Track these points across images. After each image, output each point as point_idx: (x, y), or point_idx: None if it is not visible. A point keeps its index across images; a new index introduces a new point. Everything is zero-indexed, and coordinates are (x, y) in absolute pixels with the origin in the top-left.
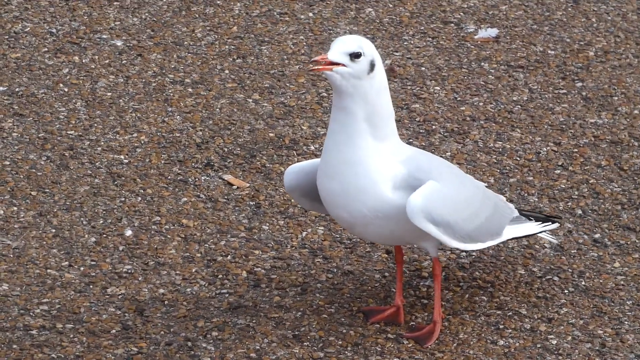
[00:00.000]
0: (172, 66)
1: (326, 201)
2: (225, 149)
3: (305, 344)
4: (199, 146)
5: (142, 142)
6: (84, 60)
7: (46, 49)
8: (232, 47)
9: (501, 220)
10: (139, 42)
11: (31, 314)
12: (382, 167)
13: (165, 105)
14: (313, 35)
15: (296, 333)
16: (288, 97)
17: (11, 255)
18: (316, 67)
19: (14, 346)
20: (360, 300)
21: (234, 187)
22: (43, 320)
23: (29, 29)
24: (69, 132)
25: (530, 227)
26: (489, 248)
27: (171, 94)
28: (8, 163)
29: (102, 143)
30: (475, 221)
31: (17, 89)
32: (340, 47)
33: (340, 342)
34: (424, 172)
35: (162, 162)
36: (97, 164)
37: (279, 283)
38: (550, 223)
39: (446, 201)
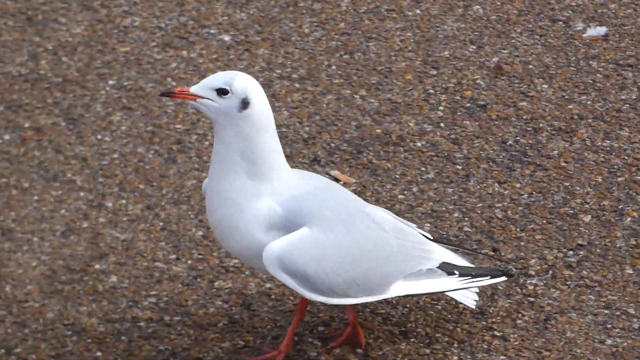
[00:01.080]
0: (279, 61)
1: (212, 230)
2: (332, 145)
3: (411, 340)
4: (306, 141)
5: None
6: (192, 55)
7: (155, 43)
8: (339, 43)
9: (390, 274)
10: (247, 37)
11: (139, 306)
12: (256, 208)
13: (272, 100)
14: (420, 32)
15: (402, 329)
16: (395, 93)
17: (120, 248)
18: (169, 94)
19: (122, 337)
20: None
21: (341, 182)
22: (151, 312)
23: (137, 23)
24: (176, 126)
25: (442, 283)
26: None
27: (278, 89)
28: (117, 156)
29: (210, 137)
30: (344, 275)
31: (125, 83)
32: (207, 82)
33: (446, 339)
34: (302, 216)
35: None
36: (204, 158)
37: None
38: (489, 277)
39: (311, 252)
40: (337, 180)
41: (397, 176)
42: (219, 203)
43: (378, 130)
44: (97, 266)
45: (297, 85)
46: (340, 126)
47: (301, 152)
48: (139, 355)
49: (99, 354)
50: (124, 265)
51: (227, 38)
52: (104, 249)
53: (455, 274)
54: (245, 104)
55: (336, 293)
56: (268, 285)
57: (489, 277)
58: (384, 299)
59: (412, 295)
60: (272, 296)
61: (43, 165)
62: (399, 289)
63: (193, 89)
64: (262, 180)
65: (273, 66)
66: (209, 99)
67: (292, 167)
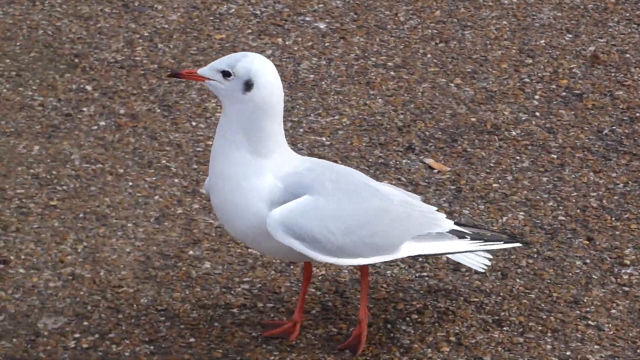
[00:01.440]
0: (375, 49)
1: (216, 215)
2: (427, 133)
3: (504, 328)
4: (401, 130)
5: (344, 124)
6: (287, 42)
7: (250, 31)
8: (435, 31)
9: (398, 235)
10: (342, 25)
11: (232, 292)
12: (258, 184)
13: (367, 88)
14: (516, 20)
15: (496, 318)
16: (490, 82)
17: (213, 234)
18: (176, 75)
19: (215, 324)
20: (560, 286)
21: (435, 170)
22: (244, 299)
23: (233, 10)
24: None
25: (450, 245)
26: (387, 263)
27: (373, 77)
28: (211, 143)
29: (304, 125)
30: (352, 237)
31: None
32: (214, 64)
33: (540, 328)
34: (302, 187)
35: (364, 144)
36: (298, 145)
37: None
38: (501, 242)
39: (312, 213)
40: (431, 168)
41: (492, 165)
42: (222, 182)
43: (473, 119)
44: (190, 252)
45: (392, 73)
46: (435, 114)
47: (395, 140)
48: (231, 341)
49: (192, 339)
50: (217, 252)
51: (322, 25)
52: (197, 235)
53: (467, 238)
54: (248, 85)
55: (346, 253)
56: (359, 272)
57: (502, 242)
58: (395, 259)
59: (423, 256)
60: None
61: (138, 151)
62: (410, 249)
63: (200, 71)
64: (263, 156)
65: (368, 54)
66: (215, 80)
67: (386, 155)
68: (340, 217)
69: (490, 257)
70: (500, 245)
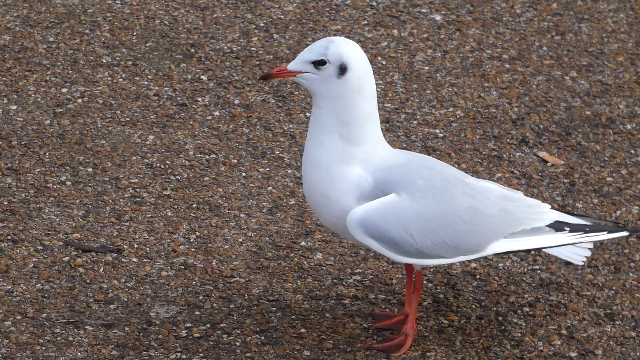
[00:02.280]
0: (490, 42)
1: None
2: (541, 126)
3: (617, 322)
4: (515, 122)
5: (458, 116)
6: (402, 34)
7: (366, 22)
8: (551, 24)
9: (486, 235)
10: (458, 17)
11: (344, 283)
12: (347, 174)
13: (481, 81)
14: (634, 13)
15: (608, 312)
16: (606, 75)
17: None
18: (268, 77)
19: (327, 315)
20: None
21: (549, 164)
22: (355, 290)
23: (349, 1)
24: (385, 105)
25: (548, 239)
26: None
27: (488, 70)
28: None
29: (418, 117)
30: (434, 238)
31: None
32: (303, 56)
33: None
34: (391, 184)
35: (477, 137)
36: (412, 137)
37: (592, 261)
38: (605, 232)
39: (395, 216)
40: (544, 161)
41: (606, 158)
42: (310, 167)
43: (587, 112)
44: (302, 243)
45: (507, 65)
46: (550, 107)
47: (509, 132)
48: (342, 332)
49: (302, 330)
50: (329, 243)
51: (438, 17)
52: (309, 226)
53: (565, 230)
54: (343, 69)
55: (426, 254)
56: (473, 265)
57: (606, 232)
58: (479, 258)
59: (512, 252)
60: (477, 276)
61: (252, 142)
62: (498, 247)
63: (291, 66)
64: (355, 144)
65: (484, 46)
66: (307, 72)
67: (499, 147)
68: (422, 218)
69: (592, 248)
70: (604, 236)
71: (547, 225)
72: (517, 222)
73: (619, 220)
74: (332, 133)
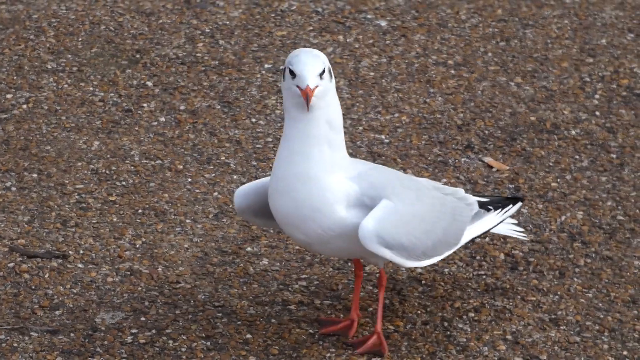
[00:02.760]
0: (436, 47)
1: (279, 220)
2: (486, 132)
3: (561, 327)
4: (460, 128)
5: (404, 122)
6: (348, 40)
7: (311, 28)
8: (496, 30)
9: (459, 227)
10: (403, 23)
11: (290, 289)
12: (335, 185)
13: (427, 87)
14: (578, 19)
15: (553, 317)
16: (550, 81)
17: (271, 231)
18: (308, 102)
19: (272, 320)
20: (618, 286)
21: (494, 169)
22: (301, 295)
23: (295, 7)
24: None
25: (491, 220)
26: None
27: (434, 75)
28: (270, 140)
29: (364, 122)
30: (432, 237)
31: (281, 67)
32: (312, 71)
33: (597, 327)
34: (376, 189)
35: (423, 142)
36: (357, 142)
37: (537, 266)
38: (511, 205)
39: (400, 222)
40: (490, 167)
41: (551, 164)
42: (297, 182)
43: (532, 118)
44: (248, 249)
45: (452, 71)
46: (495, 113)
47: (455, 138)
48: (288, 338)
49: (248, 336)
50: (275, 249)
51: (383, 23)
52: (255, 232)
53: (491, 209)
54: (330, 72)
55: (427, 255)
56: (419, 270)
57: (510, 205)
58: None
59: (476, 238)
60: (423, 281)
61: (197, 147)
62: (467, 235)
63: (312, 83)
64: (338, 150)
65: (429, 52)
66: (319, 85)
67: (445, 153)
68: (418, 219)
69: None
70: (513, 208)
71: (480, 208)
72: (467, 209)
73: (565, 226)
74: (323, 144)
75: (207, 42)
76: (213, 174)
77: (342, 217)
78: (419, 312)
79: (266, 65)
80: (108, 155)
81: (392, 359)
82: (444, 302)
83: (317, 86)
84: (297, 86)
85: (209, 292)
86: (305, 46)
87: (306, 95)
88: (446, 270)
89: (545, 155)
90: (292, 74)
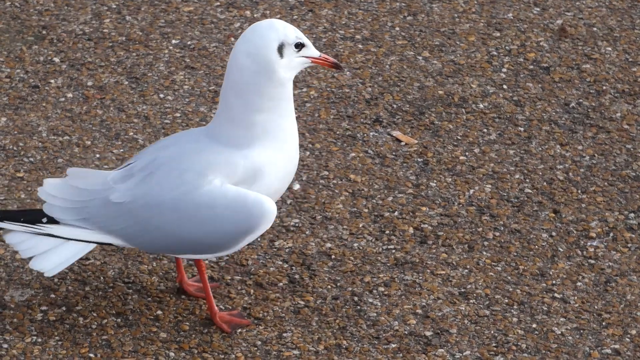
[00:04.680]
0: (343, 22)
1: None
2: (394, 106)
3: (471, 301)
4: (368, 102)
5: (312, 97)
6: (255, 15)
7: (218, 3)
8: (403, 4)
9: None
10: None
11: None
12: None
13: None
14: None
15: (462, 290)
16: (458, 55)
17: None
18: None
19: (183, 297)
20: (526, 259)
21: (402, 143)
22: (211, 271)
23: None
24: None
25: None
26: None
27: (341, 50)
28: (179, 115)
29: None
30: None
31: (189, 42)
32: (307, 39)
33: (506, 301)
34: None
35: (331, 117)
36: None
37: (446, 240)
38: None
39: None
40: (398, 140)
41: (459, 137)
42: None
43: (440, 92)
44: None
45: (360, 46)
46: (403, 87)
47: (363, 112)
48: (199, 314)
49: (159, 312)
50: None
51: None
52: None
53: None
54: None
55: None
56: (328, 245)
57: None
58: None
59: None
60: (332, 256)
61: (105, 123)
62: None
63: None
64: None
65: (336, 27)
66: None
67: (353, 127)
68: None
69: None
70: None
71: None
72: None
73: (473, 199)
74: None
75: (114, 17)
76: (122, 150)
77: None
78: (329, 287)
79: (173, 41)
80: (15, 132)
81: (303, 334)
82: (354, 276)
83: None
84: (308, 56)
85: (119, 268)
86: (212, 22)
87: (328, 60)
88: (355, 245)
89: (453, 129)
90: (299, 45)
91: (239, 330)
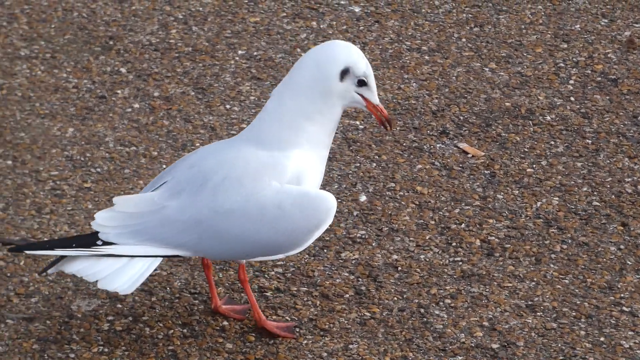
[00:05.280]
0: (409, 33)
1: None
2: (461, 117)
3: (538, 314)
4: (435, 114)
5: None
6: (321, 26)
7: (284, 14)
8: (470, 15)
9: None
10: (377, 9)
11: (266, 276)
12: None
13: (401, 72)
14: (551, 5)
15: (529, 303)
16: (525, 66)
17: None
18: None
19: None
20: (594, 272)
21: (469, 155)
22: (277, 282)
23: None
24: None
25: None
26: None
27: (408, 61)
28: (245, 126)
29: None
30: None
31: (255, 53)
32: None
33: (574, 314)
34: None
35: (398, 128)
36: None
37: (513, 252)
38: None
39: None
40: (465, 152)
41: (526, 150)
42: None
43: (507, 104)
44: None
45: (426, 57)
46: (469, 99)
47: (429, 124)
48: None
49: (225, 323)
50: None
51: (357, 9)
52: None
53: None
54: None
55: None
56: (395, 256)
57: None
58: None
59: None
60: (399, 268)
61: (172, 134)
62: None
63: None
64: None
65: (403, 38)
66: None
67: (420, 139)
68: None
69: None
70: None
71: None
72: None
73: (540, 212)
74: None
75: (181, 28)
76: None
77: None
78: (396, 298)
79: (240, 52)
80: (82, 142)
81: (369, 346)
82: (420, 288)
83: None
84: (365, 98)
85: (185, 279)
86: (278, 32)
87: (381, 115)
88: (422, 256)
89: (520, 141)
90: (361, 82)
91: (304, 342)
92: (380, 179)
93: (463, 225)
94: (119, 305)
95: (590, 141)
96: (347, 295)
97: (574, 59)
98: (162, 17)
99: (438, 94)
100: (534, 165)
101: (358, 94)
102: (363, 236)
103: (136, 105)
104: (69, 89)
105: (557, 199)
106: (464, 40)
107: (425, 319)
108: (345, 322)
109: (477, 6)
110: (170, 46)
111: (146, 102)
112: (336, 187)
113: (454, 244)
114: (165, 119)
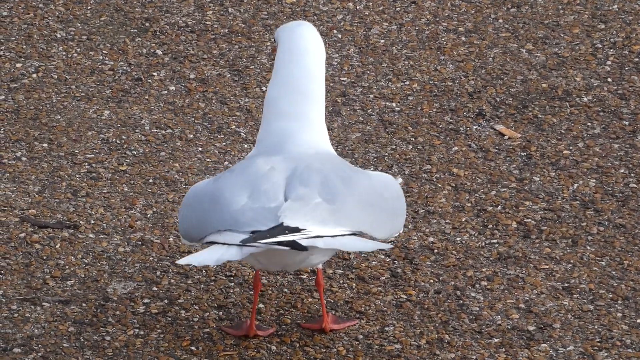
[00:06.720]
0: (446, 14)
1: None
2: (498, 99)
3: (575, 296)
4: (471, 95)
5: (414, 90)
6: (358, 7)
7: None
8: None
9: None
10: None
11: None
12: None
13: (438, 54)
14: None
15: (566, 285)
16: (562, 47)
17: None
18: None
19: (285, 290)
20: (631, 254)
21: (506, 137)
22: None
23: None
24: (341, 79)
25: None
26: None
27: (444, 42)
28: None
29: (375, 90)
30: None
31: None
32: None
33: (610, 296)
34: None
35: (434, 110)
36: (368, 110)
37: (549, 235)
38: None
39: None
40: (501, 134)
41: (563, 131)
42: None
43: (544, 85)
44: None
45: (463, 38)
46: (506, 80)
47: (466, 106)
48: (300, 307)
49: (260, 305)
50: None
51: None
52: None
53: None
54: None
55: None
56: (431, 239)
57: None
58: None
59: None
60: (435, 250)
61: (208, 116)
62: None
63: None
64: None
65: (439, 19)
66: None
67: (456, 121)
68: None
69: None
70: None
71: None
72: None
73: (577, 194)
74: None
75: (217, 10)
76: (224, 143)
77: None
78: (432, 281)
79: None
80: (118, 125)
81: (405, 328)
82: (457, 270)
83: None
84: None
85: None
86: (314, 14)
87: None
88: (458, 239)
89: (557, 123)
90: None
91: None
92: (417, 161)
93: (499, 208)
94: (155, 288)
95: (627, 122)
96: (383, 278)
97: (612, 40)
98: None
99: (474, 76)
100: (571, 147)
101: None
102: None
103: (172, 88)
104: (105, 71)
105: (593, 180)
106: (500, 21)
107: (461, 301)
108: (381, 304)
109: None
110: (206, 28)
111: (182, 84)
112: (372, 169)
113: (490, 226)
114: (201, 101)
